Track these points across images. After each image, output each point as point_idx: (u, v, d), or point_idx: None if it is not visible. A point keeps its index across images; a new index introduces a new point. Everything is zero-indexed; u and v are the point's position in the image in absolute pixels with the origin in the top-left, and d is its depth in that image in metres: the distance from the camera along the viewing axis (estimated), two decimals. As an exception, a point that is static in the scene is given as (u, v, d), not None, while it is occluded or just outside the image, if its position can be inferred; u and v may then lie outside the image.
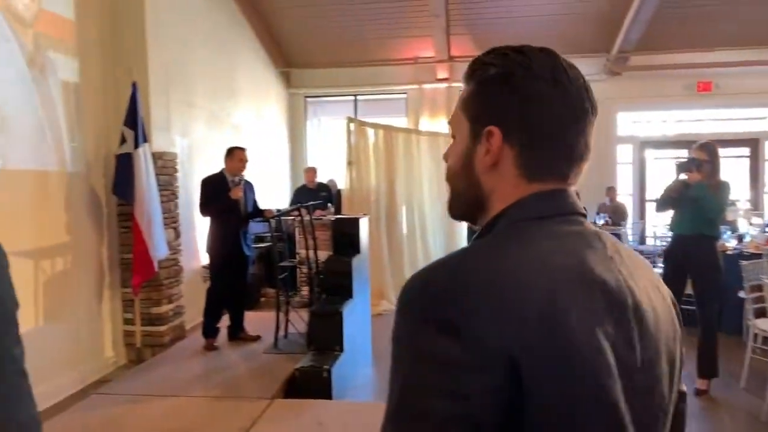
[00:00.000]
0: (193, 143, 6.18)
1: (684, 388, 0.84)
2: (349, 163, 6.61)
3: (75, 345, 4.43)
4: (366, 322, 5.10)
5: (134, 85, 4.64)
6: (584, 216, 0.76)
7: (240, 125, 7.60)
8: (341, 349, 4.28)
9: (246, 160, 5.12)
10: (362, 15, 8.32)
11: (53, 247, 4.25)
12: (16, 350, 1.29)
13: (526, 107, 0.74)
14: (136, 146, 4.61)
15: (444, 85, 9.48)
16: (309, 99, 10.15)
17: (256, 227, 6.94)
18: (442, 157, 0.87)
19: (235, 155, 5.08)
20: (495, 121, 0.75)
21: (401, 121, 9.58)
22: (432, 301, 0.63)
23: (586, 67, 9.13)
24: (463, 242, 7.81)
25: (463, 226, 7.87)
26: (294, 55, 9.44)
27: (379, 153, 7.21)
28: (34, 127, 4.09)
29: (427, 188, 8.34)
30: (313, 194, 7.78)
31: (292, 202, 7.92)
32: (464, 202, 0.81)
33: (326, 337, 4.31)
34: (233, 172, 5.07)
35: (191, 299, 5.51)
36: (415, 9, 8.24)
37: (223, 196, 4.91)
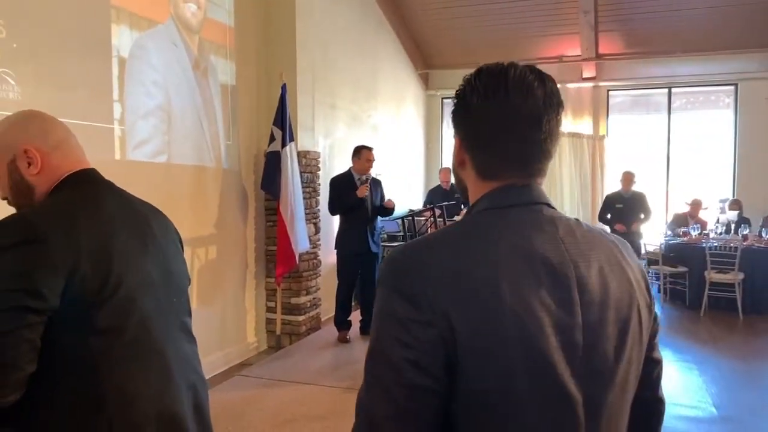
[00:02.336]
0: (334, 143, 6.42)
1: (659, 355, 0.98)
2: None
3: (222, 329, 4.77)
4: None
5: (283, 87, 4.90)
6: (547, 205, 0.89)
7: (378, 126, 7.77)
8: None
9: (373, 160, 5.22)
10: (505, 14, 8.14)
11: (207, 236, 4.61)
12: (187, 319, 1.44)
13: (469, 120, 0.90)
14: (284, 145, 4.87)
15: (590, 84, 9.02)
16: (446, 100, 10.14)
17: (389, 226, 7.07)
18: None
19: (363, 155, 5.21)
20: (456, 132, 0.93)
21: (541, 123, 9.24)
22: (397, 275, 0.81)
23: (758, 63, 8.24)
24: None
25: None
26: (433, 56, 9.48)
27: (517, 155, 7.00)
28: (195, 126, 4.46)
29: (567, 192, 7.99)
30: (446, 195, 7.76)
31: (426, 203, 7.96)
32: (461, 191, 0.98)
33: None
34: (360, 171, 5.20)
35: (327, 292, 5.72)
36: (562, 6, 7.91)
37: (351, 194, 5.05)
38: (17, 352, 1.09)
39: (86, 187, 1.33)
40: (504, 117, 0.87)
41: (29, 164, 1.29)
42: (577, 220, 0.91)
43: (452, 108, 0.93)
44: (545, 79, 0.89)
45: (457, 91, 0.92)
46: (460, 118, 0.92)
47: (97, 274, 1.18)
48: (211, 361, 4.57)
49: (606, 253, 0.89)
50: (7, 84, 3.07)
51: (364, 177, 5.20)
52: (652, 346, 0.96)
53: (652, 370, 0.97)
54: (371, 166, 5.23)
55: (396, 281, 0.81)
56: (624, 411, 0.89)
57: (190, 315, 1.47)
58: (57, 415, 1.17)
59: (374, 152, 5.32)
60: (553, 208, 0.90)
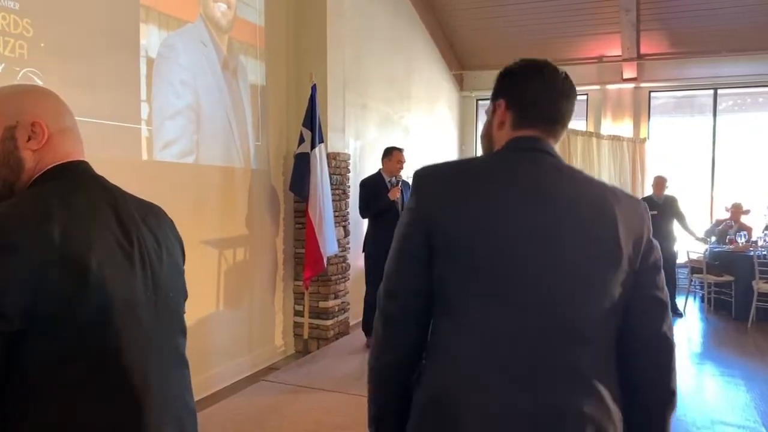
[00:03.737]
0: (365, 145, 6.32)
1: (660, 296, 1.17)
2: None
3: (249, 332, 4.71)
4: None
5: (313, 88, 4.82)
6: (548, 153, 1.20)
7: (410, 127, 7.65)
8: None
9: (403, 161, 5.10)
10: (542, 14, 7.93)
11: (235, 238, 4.56)
12: (178, 340, 1.25)
13: (517, 88, 1.23)
14: (313, 146, 4.79)
15: (631, 85, 8.73)
16: (481, 102, 9.96)
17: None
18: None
19: (393, 156, 5.09)
20: (502, 97, 1.25)
21: (580, 124, 9.01)
22: (415, 181, 1.21)
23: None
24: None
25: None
26: (468, 57, 9.31)
27: (553, 157, 6.80)
28: (224, 126, 4.41)
29: (605, 197, 7.72)
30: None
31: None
32: (489, 150, 1.29)
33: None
34: (391, 172, 5.09)
35: (356, 296, 5.62)
36: (602, 4, 7.66)
37: (383, 196, 4.93)
38: None
39: (71, 181, 1.17)
40: (545, 88, 1.22)
41: (29, 138, 1.16)
42: (578, 170, 1.21)
43: (500, 79, 1.27)
44: (568, 75, 1.25)
45: (505, 68, 1.28)
46: (509, 86, 1.25)
47: (65, 288, 1.02)
48: (237, 364, 4.52)
49: (590, 189, 1.17)
50: (34, 83, 3.06)
51: (395, 179, 5.09)
52: (649, 285, 1.16)
53: (650, 307, 1.16)
54: (402, 168, 5.11)
55: (413, 185, 1.20)
56: (594, 307, 1.10)
57: (184, 335, 1.28)
58: None
59: (405, 154, 5.21)
60: (556, 158, 1.21)
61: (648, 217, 1.19)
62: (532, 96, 1.21)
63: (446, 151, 9.17)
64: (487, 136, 1.28)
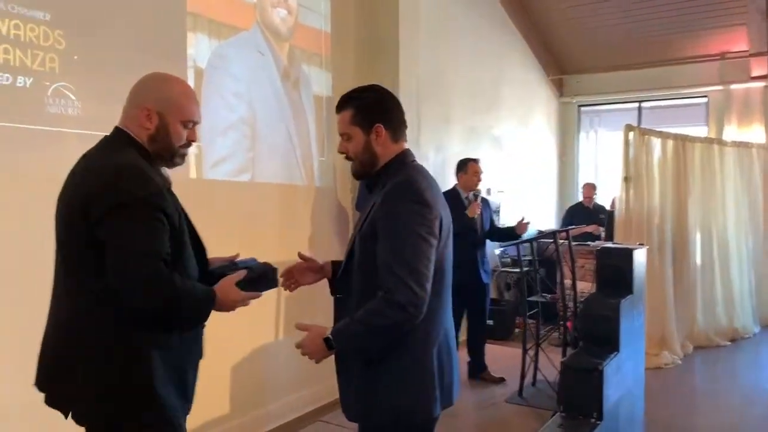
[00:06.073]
0: (446, 158, 5.81)
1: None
2: (626, 179, 5.48)
3: (311, 362, 4.32)
4: (638, 382, 4.02)
5: (382, 97, 4.40)
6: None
7: (501, 138, 7.04)
8: (600, 417, 3.34)
9: (481, 173, 4.55)
10: (651, 8, 7.07)
11: (296, 260, 4.21)
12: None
13: (389, 114, 1.81)
14: (382, 160, 4.36)
15: (761, 83, 7.58)
16: (583, 108, 9.12)
17: (510, 250, 6.28)
18: (339, 150, 1.90)
19: (469, 169, 4.56)
20: (381, 123, 1.78)
21: (700, 131, 7.96)
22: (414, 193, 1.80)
23: None
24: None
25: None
26: (568, 60, 8.55)
27: (666, 167, 5.91)
28: (284, 141, 4.09)
29: (732, 211, 6.66)
30: (589, 214, 6.82)
31: (565, 223, 6.99)
32: (372, 162, 1.83)
33: (581, 399, 3.41)
34: (467, 187, 4.55)
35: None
36: (723, -8, 6.69)
37: (459, 214, 4.37)
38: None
39: None
40: (400, 109, 1.86)
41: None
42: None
43: (368, 108, 1.79)
44: None
45: (371, 98, 1.83)
46: (382, 112, 1.80)
47: None
48: (298, 398, 4.15)
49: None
50: (66, 98, 2.86)
51: (472, 194, 4.54)
52: None
53: None
54: (480, 181, 4.56)
55: (417, 195, 1.72)
56: None
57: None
58: None
59: (483, 165, 4.65)
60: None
61: None
62: (399, 118, 1.82)
63: (543, 162, 8.43)
64: (369, 152, 1.79)
